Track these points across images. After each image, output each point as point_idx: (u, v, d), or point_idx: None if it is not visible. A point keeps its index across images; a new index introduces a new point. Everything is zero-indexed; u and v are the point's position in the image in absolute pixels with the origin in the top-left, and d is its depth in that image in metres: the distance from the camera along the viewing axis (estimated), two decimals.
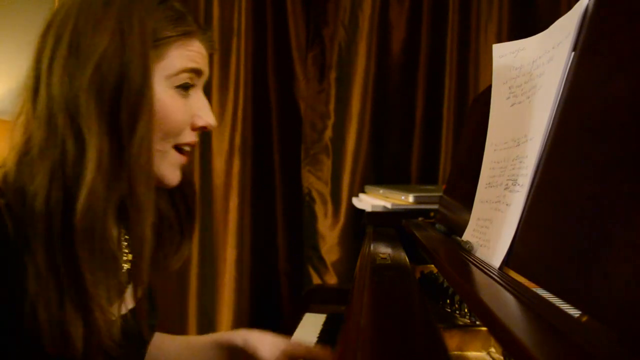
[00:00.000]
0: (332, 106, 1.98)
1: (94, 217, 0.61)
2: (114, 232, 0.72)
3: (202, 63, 0.73)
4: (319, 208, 1.99)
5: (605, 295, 0.41)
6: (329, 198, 1.98)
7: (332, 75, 1.98)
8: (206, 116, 0.74)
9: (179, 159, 0.73)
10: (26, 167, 0.62)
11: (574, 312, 0.46)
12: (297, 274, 2.01)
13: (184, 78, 0.70)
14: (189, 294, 1.95)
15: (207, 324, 1.96)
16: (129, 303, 0.75)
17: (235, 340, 0.93)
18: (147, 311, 0.80)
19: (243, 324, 1.96)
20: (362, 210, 1.68)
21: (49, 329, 0.60)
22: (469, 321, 0.80)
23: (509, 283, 0.55)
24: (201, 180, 1.95)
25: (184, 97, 0.71)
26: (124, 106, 0.63)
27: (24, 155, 0.63)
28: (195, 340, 1.00)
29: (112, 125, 0.63)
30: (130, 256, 0.78)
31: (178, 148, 0.73)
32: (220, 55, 1.94)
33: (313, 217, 2.00)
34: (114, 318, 0.65)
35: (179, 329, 1.94)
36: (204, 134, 1.95)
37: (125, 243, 0.79)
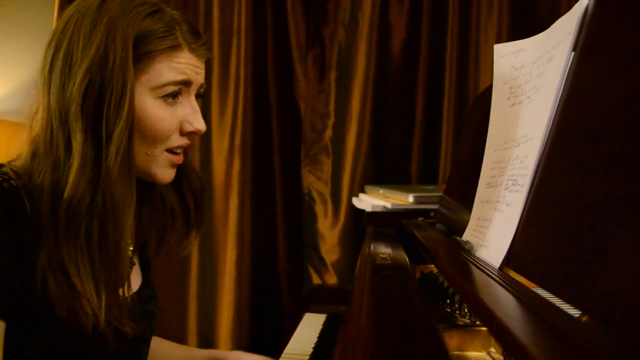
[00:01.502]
0: (332, 106, 1.98)
1: (76, 217, 0.67)
2: None
3: (191, 74, 0.75)
4: (319, 208, 1.99)
5: (605, 295, 0.41)
6: (329, 198, 1.98)
7: (332, 75, 1.98)
8: (195, 122, 0.77)
9: (170, 159, 0.78)
10: (36, 161, 0.70)
11: (574, 312, 0.46)
12: (297, 274, 2.01)
13: (170, 90, 0.74)
14: (189, 294, 1.95)
15: (207, 324, 1.96)
16: (133, 286, 0.81)
17: (229, 359, 0.99)
18: (144, 300, 0.85)
19: (243, 324, 1.96)
20: (362, 210, 1.68)
21: (59, 299, 0.67)
22: (469, 321, 0.80)
23: (509, 283, 0.55)
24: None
25: (172, 105, 0.75)
26: (104, 116, 0.69)
27: (36, 150, 0.71)
28: (193, 352, 1.06)
29: (94, 132, 0.69)
30: (132, 246, 0.84)
31: (169, 151, 0.77)
32: (220, 55, 1.94)
33: (313, 217, 2.00)
34: (104, 310, 0.69)
35: (179, 329, 1.95)
36: (204, 133, 1.95)
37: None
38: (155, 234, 0.88)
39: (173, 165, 0.79)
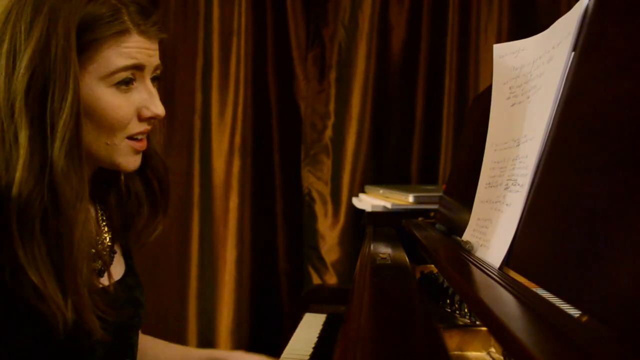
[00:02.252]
0: (332, 106, 1.98)
1: (29, 211, 0.65)
2: (92, 211, 0.78)
3: (142, 57, 0.72)
4: (319, 208, 1.99)
5: (605, 295, 0.41)
6: (329, 198, 1.98)
7: (332, 75, 1.97)
8: (153, 107, 0.75)
9: (132, 147, 0.75)
10: None
11: (574, 312, 0.46)
12: (297, 274, 2.01)
13: (122, 76, 0.71)
14: (189, 294, 1.95)
15: (207, 324, 1.96)
16: (114, 275, 0.80)
17: (228, 359, 0.98)
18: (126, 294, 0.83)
19: (243, 324, 1.96)
20: (362, 210, 1.69)
21: (32, 293, 0.65)
22: (469, 321, 0.80)
23: (509, 283, 0.55)
24: (201, 180, 1.95)
25: (126, 92, 0.72)
26: (48, 108, 0.67)
27: None
28: (191, 353, 1.04)
29: (39, 126, 0.67)
30: (109, 234, 0.84)
31: (130, 138, 0.75)
32: (220, 55, 1.94)
33: (313, 217, 2.00)
34: (67, 307, 0.66)
35: (179, 329, 1.94)
36: (204, 133, 1.96)
37: (104, 223, 0.84)
38: (123, 221, 0.87)
39: (136, 152, 0.77)
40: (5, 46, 0.67)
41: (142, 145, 0.77)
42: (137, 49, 0.72)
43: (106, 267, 0.79)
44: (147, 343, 1.00)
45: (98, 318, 0.70)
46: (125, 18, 0.71)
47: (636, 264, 0.38)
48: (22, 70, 0.66)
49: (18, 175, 0.65)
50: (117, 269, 0.84)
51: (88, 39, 0.68)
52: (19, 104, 0.66)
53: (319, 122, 2.00)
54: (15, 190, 0.65)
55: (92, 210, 0.82)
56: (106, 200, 0.85)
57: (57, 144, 0.66)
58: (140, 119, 0.75)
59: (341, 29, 1.96)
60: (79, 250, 0.68)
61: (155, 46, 0.75)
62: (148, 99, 0.75)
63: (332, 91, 1.98)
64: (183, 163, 1.95)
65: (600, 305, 0.41)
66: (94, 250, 0.77)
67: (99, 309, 0.70)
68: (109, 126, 0.72)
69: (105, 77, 0.70)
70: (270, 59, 1.98)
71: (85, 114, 0.70)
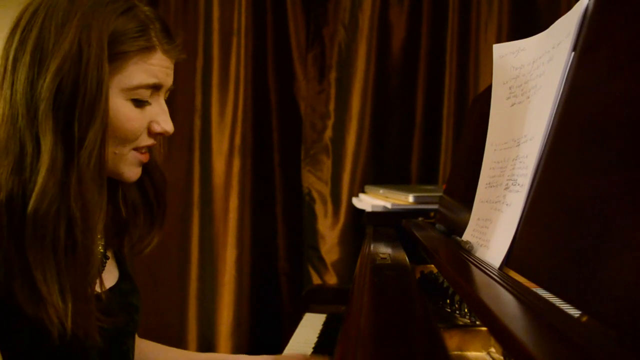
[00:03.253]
0: (332, 106, 1.98)
1: (44, 220, 0.64)
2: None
3: (162, 77, 0.74)
4: (319, 208, 1.99)
5: (605, 295, 0.41)
6: (329, 198, 1.98)
7: (332, 75, 1.97)
8: (163, 123, 0.76)
9: (138, 158, 0.76)
10: None
11: (574, 312, 0.46)
12: (297, 274, 2.01)
13: (141, 93, 0.72)
14: (189, 294, 1.95)
15: (207, 324, 1.96)
16: (107, 281, 0.79)
17: None
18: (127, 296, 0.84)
19: (243, 324, 1.96)
20: (362, 210, 1.68)
21: (25, 302, 0.64)
22: (469, 321, 0.80)
23: (509, 283, 0.55)
24: (201, 180, 1.95)
25: (141, 107, 0.73)
26: (77, 116, 0.66)
27: None
28: (192, 357, 1.04)
29: (66, 133, 0.66)
30: (102, 241, 0.83)
31: (136, 149, 0.76)
32: (220, 55, 1.94)
33: (313, 217, 2.00)
34: (71, 316, 0.65)
35: (179, 330, 1.94)
36: (204, 133, 1.96)
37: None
38: (117, 229, 0.86)
39: (140, 163, 0.77)
40: (30, 46, 0.66)
41: (146, 157, 0.78)
42: (159, 67, 0.73)
43: (98, 274, 0.77)
44: (146, 347, 0.99)
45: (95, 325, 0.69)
46: (152, 34, 0.72)
47: (636, 264, 0.38)
48: (50, 75, 0.65)
49: (40, 181, 0.64)
50: (111, 275, 0.83)
51: (117, 51, 0.69)
52: (44, 109, 0.65)
53: (319, 122, 1.99)
54: (35, 196, 0.63)
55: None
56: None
57: (86, 153, 0.66)
58: (150, 133, 0.76)
59: (341, 29, 1.96)
60: (95, 260, 0.68)
61: (172, 66, 0.77)
62: (160, 115, 0.76)
63: (332, 91, 1.98)
64: (183, 163, 1.95)
65: (600, 305, 0.41)
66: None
67: (94, 315, 0.69)
68: (122, 137, 0.72)
69: (127, 90, 0.71)
70: (270, 59, 1.98)
71: None
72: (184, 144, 1.95)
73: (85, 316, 0.67)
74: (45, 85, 0.65)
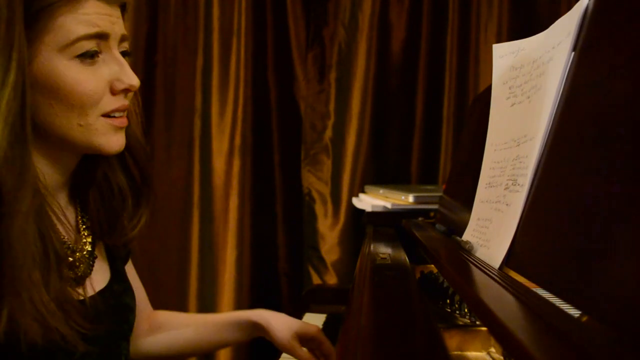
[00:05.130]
0: (332, 106, 1.98)
1: None
2: (70, 212, 0.73)
3: (104, 24, 0.65)
4: (319, 208, 1.99)
5: (605, 295, 0.41)
6: (329, 198, 1.98)
7: (332, 75, 1.97)
8: (125, 77, 0.68)
9: (111, 125, 0.69)
10: None
11: (574, 312, 0.46)
12: (297, 274, 2.01)
13: (84, 46, 0.64)
14: (189, 294, 1.95)
15: None
16: (97, 283, 0.76)
17: (252, 317, 0.97)
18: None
19: None
20: (362, 210, 1.68)
21: None
22: (469, 321, 0.80)
23: (509, 283, 0.55)
24: (201, 180, 1.95)
25: (92, 65, 0.66)
26: None
27: None
28: (212, 318, 1.02)
29: None
30: (90, 238, 0.78)
31: (105, 116, 0.68)
32: (220, 55, 1.94)
33: (313, 217, 1.99)
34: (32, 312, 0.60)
35: None
36: (204, 133, 1.96)
37: (84, 226, 0.78)
38: (107, 221, 0.80)
39: (116, 129, 0.69)
40: None
41: (121, 121, 0.70)
42: (96, 14, 0.64)
43: (88, 273, 0.74)
44: (166, 317, 1.01)
45: (77, 331, 0.64)
46: None
47: (636, 264, 0.38)
48: None
49: None
50: (101, 276, 0.78)
51: (37, 7, 0.61)
52: None
53: (319, 122, 1.99)
54: None
55: (72, 214, 0.77)
56: (87, 200, 0.78)
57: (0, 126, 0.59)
58: (114, 92, 0.68)
59: (341, 29, 1.96)
60: (20, 246, 0.59)
61: (118, 13, 0.69)
62: (119, 70, 0.68)
63: (332, 91, 1.98)
64: (183, 163, 1.95)
65: (600, 305, 0.41)
66: (71, 259, 0.72)
67: (75, 322, 0.64)
68: (78, 104, 0.65)
69: (65, 48, 0.63)
70: (270, 59, 1.98)
71: (48, 92, 0.64)
72: (184, 144, 1.95)
73: (23, 316, 0.60)
74: None
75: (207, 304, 1.96)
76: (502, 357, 0.70)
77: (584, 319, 0.46)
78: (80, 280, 0.73)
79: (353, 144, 1.96)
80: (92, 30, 0.64)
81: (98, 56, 0.66)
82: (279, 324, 0.94)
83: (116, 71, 0.68)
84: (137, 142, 0.79)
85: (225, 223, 1.96)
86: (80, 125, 0.66)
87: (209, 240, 1.96)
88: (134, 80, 0.69)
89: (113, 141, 0.69)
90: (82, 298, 0.70)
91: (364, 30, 1.95)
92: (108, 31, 0.66)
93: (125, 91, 0.70)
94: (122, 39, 0.70)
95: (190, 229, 1.95)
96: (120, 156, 0.77)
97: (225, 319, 1.00)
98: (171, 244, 1.94)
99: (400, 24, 1.97)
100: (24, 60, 0.61)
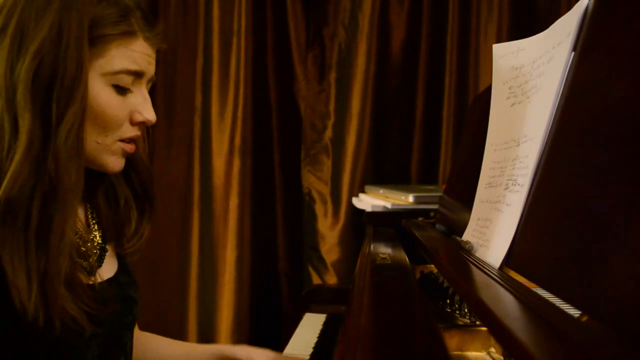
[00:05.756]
0: (332, 106, 1.98)
1: (17, 198, 0.64)
2: (80, 211, 0.77)
3: (143, 65, 0.74)
4: (319, 208, 1.99)
5: (605, 295, 0.41)
6: (329, 198, 1.98)
7: (332, 75, 1.98)
8: (145, 112, 0.76)
9: (123, 148, 0.76)
10: None
11: (574, 312, 0.46)
12: (297, 274, 2.01)
13: (123, 79, 0.72)
14: (189, 294, 1.95)
15: (207, 324, 1.96)
16: (105, 273, 0.80)
17: (236, 353, 0.97)
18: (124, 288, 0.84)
19: (243, 324, 1.96)
20: (362, 210, 1.69)
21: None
22: (469, 321, 0.80)
23: (509, 283, 0.55)
24: (201, 180, 1.95)
25: (122, 95, 0.73)
26: (55, 97, 0.66)
27: None
28: (195, 348, 1.03)
29: (44, 113, 0.66)
30: (100, 232, 0.83)
31: (121, 140, 0.76)
32: (220, 55, 1.94)
33: (313, 217, 2.00)
34: (35, 300, 0.65)
35: (179, 329, 1.94)
36: (204, 133, 1.96)
37: (94, 221, 0.83)
38: (114, 227, 0.86)
39: (124, 154, 0.77)
40: (10, 29, 0.67)
41: (131, 147, 0.78)
42: (141, 54, 0.73)
43: (97, 265, 0.78)
44: (149, 340, 1.00)
45: (86, 313, 0.69)
46: (133, 21, 0.72)
47: (636, 264, 0.38)
48: (29, 56, 0.65)
49: (17, 158, 0.64)
50: (109, 267, 0.83)
51: (97, 34, 0.69)
52: (22, 90, 0.65)
53: (319, 122, 2.00)
54: (10, 173, 0.64)
55: (82, 209, 0.82)
56: (95, 201, 0.84)
57: (63, 133, 0.66)
58: (132, 122, 0.76)
59: (341, 29, 1.96)
60: (66, 244, 0.67)
61: (154, 55, 0.77)
62: (142, 104, 0.76)
63: (332, 91, 1.98)
64: (183, 163, 1.95)
65: (600, 305, 0.41)
66: (83, 249, 0.77)
67: (84, 303, 0.69)
68: (103, 124, 0.72)
69: (107, 75, 0.71)
70: (270, 59, 1.98)
71: None
72: (184, 144, 1.95)
73: (53, 300, 0.66)
74: (24, 66, 0.65)
75: (207, 304, 1.96)
76: (502, 357, 0.70)
77: (584, 319, 0.46)
78: (91, 271, 0.77)
79: (353, 144, 1.96)
80: (134, 67, 0.72)
81: (130, 90, 0.74)
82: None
83: (140, 104, 0.75)
84: (142, 165, 0.87)
85: (225, 223, 1.96)
86: (98, 143, 0.73)
87: (209, 240, 1.96)
88: (152, 117, 0.77)
89: (117, 163, 0.77)
90: (91, 283, 0.74)
91: (364, 30, 1.95)
92: (145, 71, 0.75)
93: (141, 124, 0.77)
94: (151, 79, 0.78)
95: (190, 229, 1.95)
96: (125, 171, 0.82)
97: (209, 352, 1.00)
98: (171, 244, 1.94)
99: (400, 24, 1.97)
100: (87, 76, 0.68)
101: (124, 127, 0.75)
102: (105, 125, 0.73)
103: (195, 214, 1.94)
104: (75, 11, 0.67)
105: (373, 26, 1.95)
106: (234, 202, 1.95)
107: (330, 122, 1.98)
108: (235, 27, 1.94)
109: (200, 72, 1.94)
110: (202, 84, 1.94)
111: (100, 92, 0.71)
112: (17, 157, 0.64)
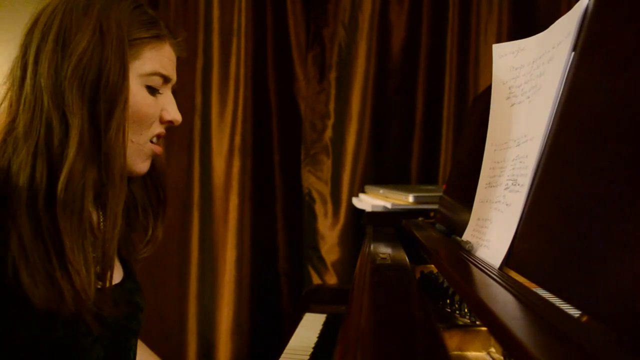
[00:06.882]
0: (332, 106, 1.98)
1: (74, 191, 0.69)
2: (94, 214, 0.79)
3: (170, 70, 0.81)
4: (319, 208, 1.99)
5: (606, 295, 0.41)
6: (329, 198, 1.98)
7: (332, 75, 1.98)
8: (173, 111, 0.82)
9: (152, 150, 0.82)
10: (10, 145, 0.70)
11: (574, 312, 0.46)
12: (297, 274, 2.01)
13: (155, 80, 0.78)
14: (189, 294, 1.95)
15: (207, 324, 1.96)
16: (113, 279, 0.82)
17: None
18: (129, 290, 0.87)
19: (243, 324, 1.96)
20: (362, 210, 1.69)
21: (34, 288, 0.66)
22: (469, 321, 0.80)
23: (509, 283, 0.55)
24: (201, 180, 1.95)
25: (154, 95, 0.79)
26: (102, 95, 0.71)
27: (8, 135, 0.71)
28: None
29: (92, 111, 0.71)
30: None
31: (151, 141, 0.82)
32: (220, 55, 1.94)
33: (313, 217, 2.00)
34: (94, 284, 0.70)
35: (179, 329, 1.94)
36: (204, 133, 1.96)
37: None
38: (126, 231, 0.90)
39: (152, 155, 0.82)
40: (52, 36, 0.71)
41: (159, 149, 0.83)
42: (168, 60, 0.80)
43: (108, 271, 0.79)
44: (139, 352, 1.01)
45: (94, 314, 0.71)
46: (162, 25, 0.79)
47: (636, 264, 0.38)
48: (75, 57, 0.70)
49: (71, 154, 0.68)
50: (116, 273, 0.84)
51: (134, 37, 0.75)
52: (71, 89, 0.69)
53: (319, 122, 2.00)
54: (66, 168, 0.68)
55: (95, 215, 0.82)
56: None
57: (113, 131, 0.71)
58: (162, 121, 0.81)
59: (341, 29, 1.96)
60: (117, 232, 0.73)
61: (175, 62, 0.83)
62: (170, 103, 0.82)
63: (332, 91, 1.98)
64: (183, 163, 1.95)
65: (600, 305, 0.41)
66: (94, 255, 0.77)
67: (94, 304, 0.71)
68: (139, 122, 0.77)
69: (143, 76, 0.76)
70: (270, 59, 1.98)
71: None
72: (184, 144, 1.95)
73: (104, 290, 0.71)
74: (71, 67, 0.70)
75: (207, 304, 1.96)
76: (502, 357, 0.70)
77: (584, 319, 0.46)
78: (101, 277, 0.78)
79: (353, 144, 1.96)
80: (164, 71, 0.79)
81: (159, 92, 0.80)
82: None
83: (168, 103, 0.82)
84: (162, 170, 0.92)
85: (225, 223, 1.96)
86: (132, 142, 0.78)
87: (209, 240, 1.96)
88: (178, 116, 0.83)
89: (145, 165, 0.82)
90: (99, 286, 0.76)
91: (364, 30, 1.95)
92: (171, 76, 0.82)
93: (169, 122, 0.83)
94: (173, 85, 0.85)
95: (190, 229, 1.95)
96: (143, 180, 0.88)
97: None
98: (171, 244, 1.94)
99: (400, 24, 1.97)
100: (128, 77, 0.74)
101: (154, 124, 0.80)
102: (141, 123, 0.78)
103: (195, 214, 1.95)
104: (114, 17, 0.73)
105: (373, 26, 1.95)
106: (234, 202, 1.95)
107: (330, 122, 1.99)
108: (235, 26, 1.94)
109: (200, 72, 1.94)
110: (202, 83, 1.94)
111: (137, 92, 0.76)
112: (71, 154, 0.69)
